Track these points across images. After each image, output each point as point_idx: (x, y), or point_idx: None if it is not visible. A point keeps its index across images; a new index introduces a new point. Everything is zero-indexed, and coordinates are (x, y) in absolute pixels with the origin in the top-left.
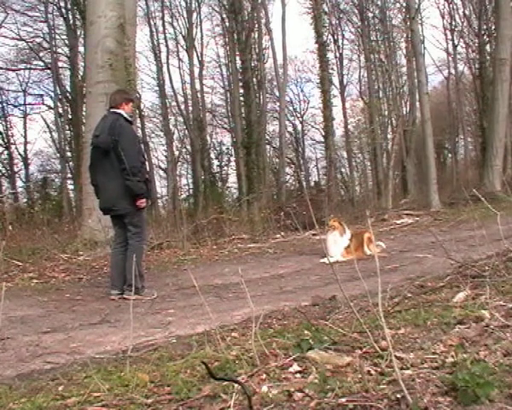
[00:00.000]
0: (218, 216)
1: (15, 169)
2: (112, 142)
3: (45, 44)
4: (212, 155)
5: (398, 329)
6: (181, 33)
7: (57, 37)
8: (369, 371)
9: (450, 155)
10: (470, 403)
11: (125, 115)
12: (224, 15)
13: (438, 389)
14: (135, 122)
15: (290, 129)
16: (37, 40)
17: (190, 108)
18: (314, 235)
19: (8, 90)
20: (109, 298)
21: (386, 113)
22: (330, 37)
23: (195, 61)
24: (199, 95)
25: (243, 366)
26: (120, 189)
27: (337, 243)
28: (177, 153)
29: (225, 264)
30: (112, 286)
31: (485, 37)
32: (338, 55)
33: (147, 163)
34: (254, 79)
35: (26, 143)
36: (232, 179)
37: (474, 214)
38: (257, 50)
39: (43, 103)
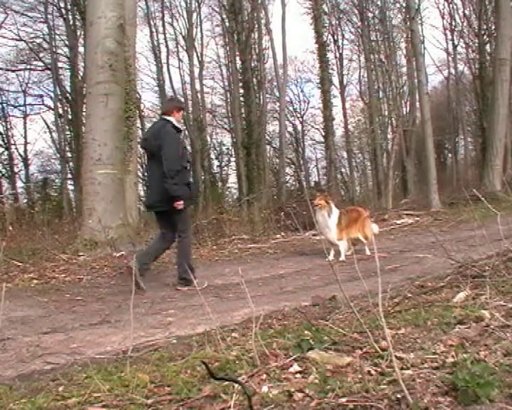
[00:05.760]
0: (218, 216)
1: (15, 169)
2: (156, 145)
3: (45, 45)
4: (213, 156)
5: (398, 329)
6: (181, 34)
7: (57, 37)
8: (369, 371)
9: (450, 155)
10: (470, 403)
11: (174, 122)
12: (224, 16)
13: (438, 389)
14: (135, 123)
15: (290, 129)
16: (37, 41)
17: (190, 109)
18: (314, 235)
19: (8, 91)
20: (129, 264)
21: (386, 113)
22: (330, 37)
23: (195, 62)
24: (199, 95)
25: (243, 367)
26: (161, 188)
27: (327, 222)
28: None
29: (225, 264)
30: (136, 258)
31: (485, 37)
32: (338, 55)
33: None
34: (254, 80)
35: (26, 143)
36: (232, 180)
37: (475, 214)
38: (257, 51)
39: (43, 104)
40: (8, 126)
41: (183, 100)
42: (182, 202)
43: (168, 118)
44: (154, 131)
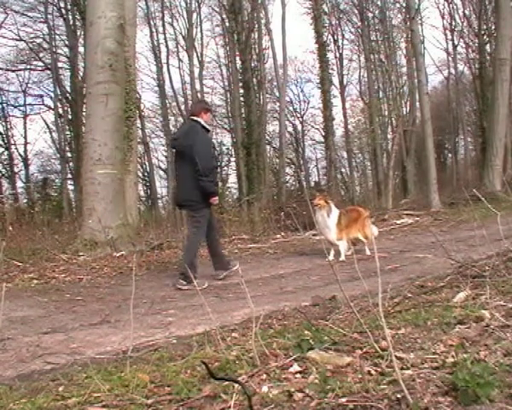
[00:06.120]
0: (218, 216)
1: (15, 169)
2: (187, 146)
3: (45, 45)
4: None
5: (398, 329)
6: (181, 34)
7: (57, 37)
8: (369, 371)
9: (450, 155)
10: (470, 403)
11: (203, 123)
12: (224, 16)
13: (438, 389)
14: (135, 123)
15: (290, 129)
16: (37, 41)
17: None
18: (314, 235)
19: (8, 91)
20: (218, 278)
21: (386, 113)
22: (330, 37)
23: (195, 62)
24: (199, 95)
25: (243, 367)
26: (192, 187)
27: (327, 222)
28: None
29: None
30: (215, 268)
31: (485, 37)
32: (338, 55)
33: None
34: (254, 80)
35: (26, 143)
36: (232, 180)
37: (474, 214)
38: (257, 50)
39: (43, 104)
40: (8, 126)
41: (183, 99)
42: (217, 198)
43: (197, 119)
44: (184, 131)
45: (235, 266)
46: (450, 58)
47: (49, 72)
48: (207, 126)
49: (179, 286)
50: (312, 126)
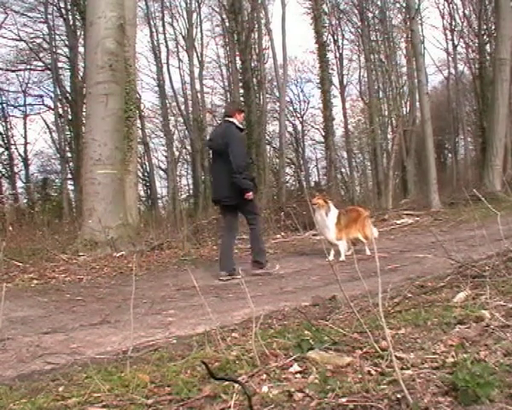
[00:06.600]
0: (218, 216)
1: (15, 170)
2: (223, 144)
3: (45, 45)
4: None
5: (398, 329)
6: (181, 34)
7: (57, 37)
8: (369, 371)
9: (450, 155)
10: (470, 403)
11: (237, 123)
12: (224, 16)
13: (438, 389)
14: (135, 123)
15: (290, 129)
16: (37, 41)
17: (190, 109)
18: (314, 235)
19: (8, 91)
20: (219, 278)
21: (386, 113)
22: (330, 37)
23: (195, 62)
24: (199, 95)
25: (243, 367)
26: (229, 184)
27: (326, 222)
28: (177, 153)
29: None
30: (221, 268)
31: (485, 37)
32: (338, 55)
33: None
34: (254, 80)
35: (26, 143)
36: None
37: (475, 214)
38: (257, 51)
39: (43, 104)
40: (8, 126)
41: (183, 99)
42: (251, 193)
43: (231, 119)
44: (220, 131)
45: (239, 274)
46: (450, 58)
47: (49, 72)
48: (241, 126)
49: (256, 271)
50: (312, 126)
